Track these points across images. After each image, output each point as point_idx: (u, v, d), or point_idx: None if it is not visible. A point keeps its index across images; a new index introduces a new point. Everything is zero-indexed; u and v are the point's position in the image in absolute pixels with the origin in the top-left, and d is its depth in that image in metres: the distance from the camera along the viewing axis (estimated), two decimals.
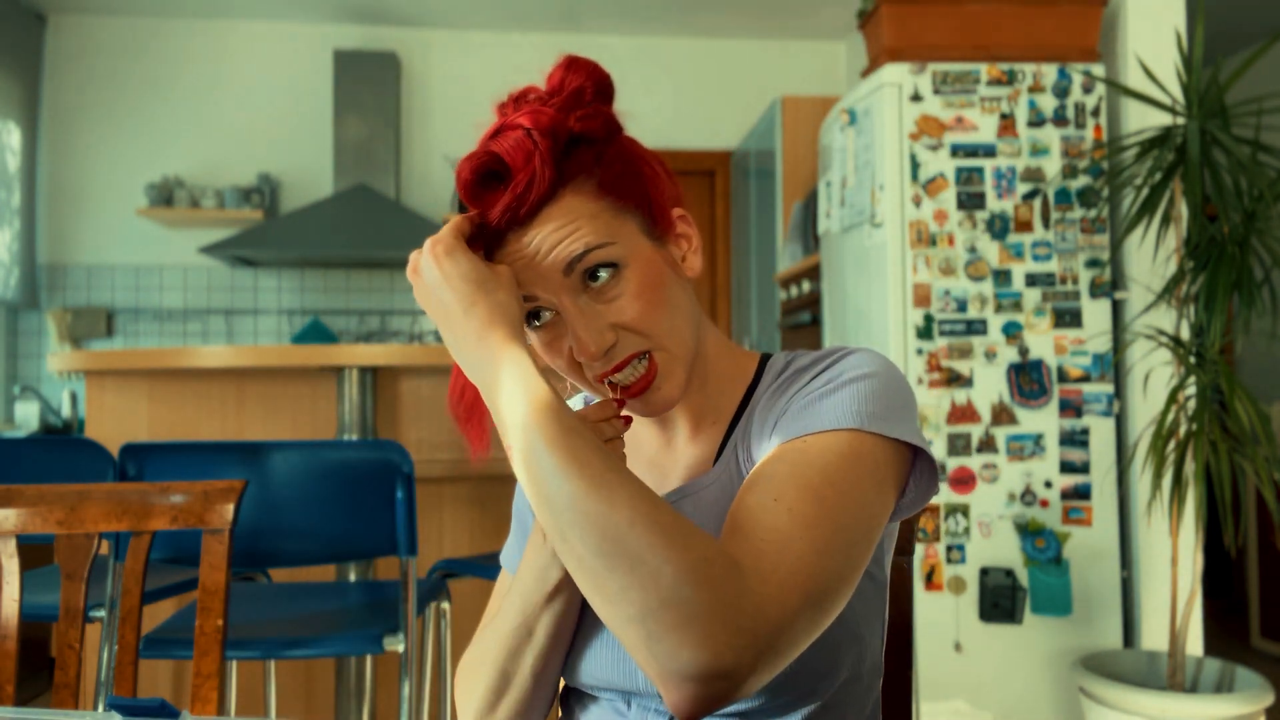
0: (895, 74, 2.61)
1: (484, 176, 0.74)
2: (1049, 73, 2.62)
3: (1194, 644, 2.52)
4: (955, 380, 2.55)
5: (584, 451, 0.64)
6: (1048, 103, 2.62)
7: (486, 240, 0.75)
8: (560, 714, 0.93)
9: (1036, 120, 2.62)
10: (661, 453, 0.85)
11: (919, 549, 2.47)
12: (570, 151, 0.74)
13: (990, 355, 2.57)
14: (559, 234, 0.73)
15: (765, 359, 0.85)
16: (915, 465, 0.74)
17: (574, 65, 0.77)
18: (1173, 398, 2.25)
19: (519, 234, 0.74)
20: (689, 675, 0.58)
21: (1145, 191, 2.36)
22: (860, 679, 0.79)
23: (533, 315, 0.76)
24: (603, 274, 0.74)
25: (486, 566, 2.02)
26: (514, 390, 0.67)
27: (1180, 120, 2.42)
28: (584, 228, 0.73)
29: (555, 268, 0.73)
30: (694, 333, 0.79)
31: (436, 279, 0.71)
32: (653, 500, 0.62)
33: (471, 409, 0.78)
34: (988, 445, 2.54)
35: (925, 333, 2.55)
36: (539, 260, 0.73)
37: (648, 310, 0.74)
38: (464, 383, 0.78)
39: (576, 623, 0.81)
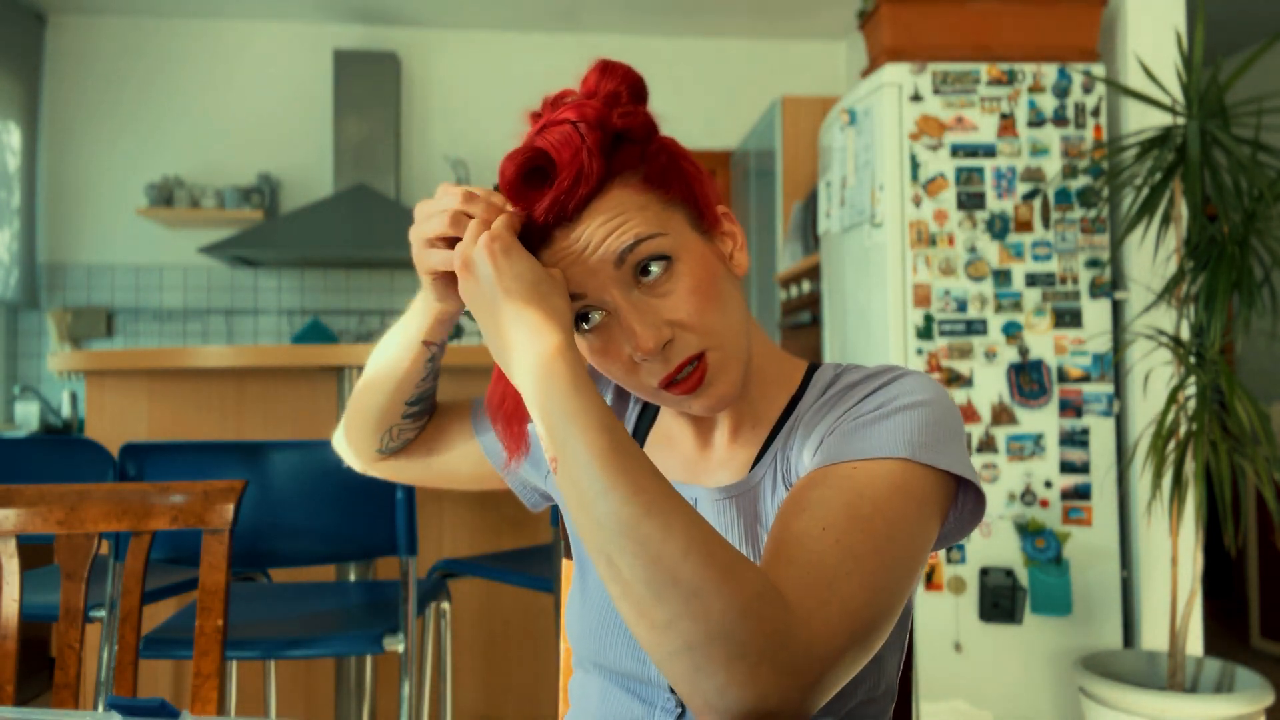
0: (895, 74, 2.61)
1: (529, 174, 0.72)
2: (1049, 73, 2.62)
3: (1194, 644, 2.52)
4: (955, 380, 2.55)
5: (640, 474, 0.61)
6: (1048, 103, 2.62)
7: (531, 239, 0.72)
8: (566, 693, 0.93)
9: (1036, 120, 2.61)
10: (697, 451, 0.84)
11: None
12: (615, 146, 0.73)
13: (990, 355, 2.57)
14: (608, 226, 0.71)
15: (812, 368, 0.83)
16: (959, 495, 0.73)
17: (609, 69, 0.76)
18: (1173, 398, 2.25)
19: (566, 231, 0.71)
20: (735, 713, 0.56)
21: (1145, 191, 2.36)
22: (875, 701, 0.79)
23: (581, 318, 0.74)
24: (654, 268, 0.72)
25: (486, 566, 2.02)
26: (566, 403, 0.64)
27: (1180, 120, 2.42)
28: (634, 219, 0.71)
29: (606, 262, 0.71)
30: (746, 330, 0.77)
31: (490, 278, 0.68)
32: (707, 530, 0.60)
33: (512, 415, 0.77)
34: (988, 445, 2.54)
35: (925, 333, 2.56)
36: (588, 255, 0.71)
37: (703, 305, 0.72)
38: (505, 386, 0.77)
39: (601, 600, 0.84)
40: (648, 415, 0.90)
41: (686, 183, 0.76)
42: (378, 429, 0.95)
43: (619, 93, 0.75)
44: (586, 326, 0.74)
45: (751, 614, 0.56)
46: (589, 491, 0.61)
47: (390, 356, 0.89)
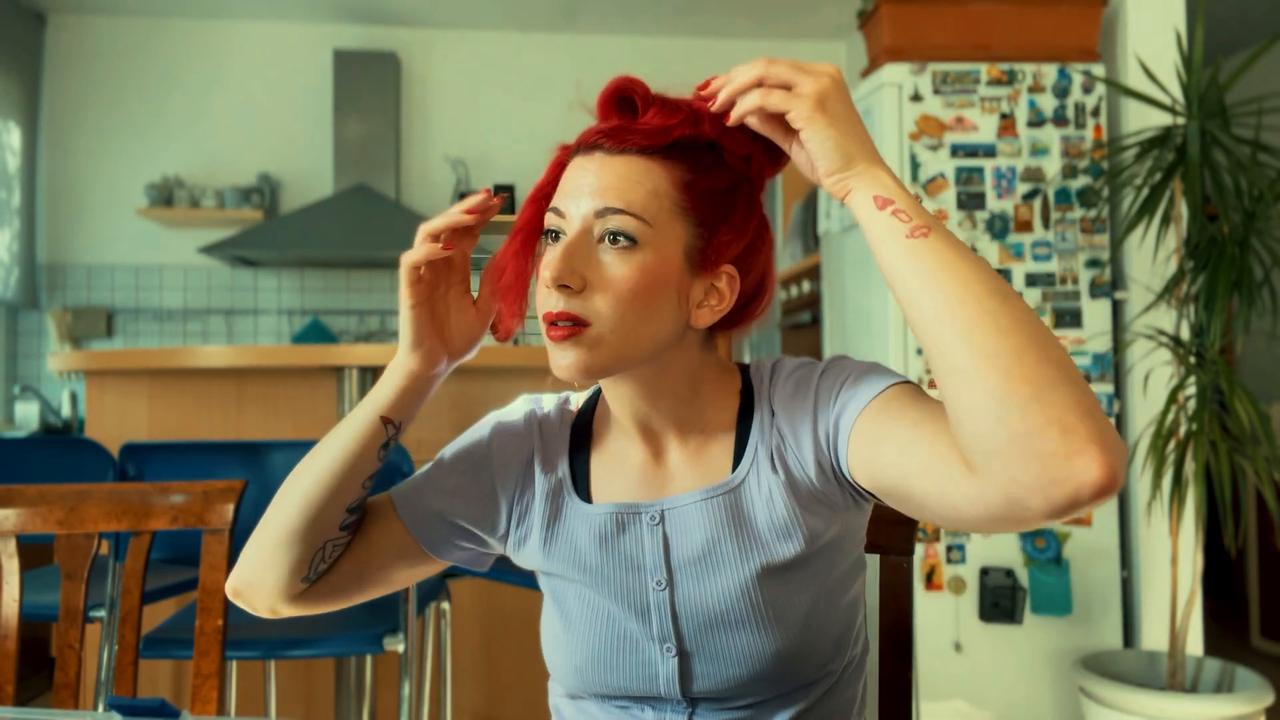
0: (895, 74, 2.61)
1: (623, 99, 0.77)
2: (1049, 73, 2.62)
3: (1194, 644, 2.52)
4: None
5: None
6: (1048, 103, 2.62)
7: (577, 142, 0.79)
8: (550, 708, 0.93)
9: (1036, 120, 2.62)
10: (651, 466, 0.84)
11: (919, 549, 2.47)
12: (697, 145, 0.77)
13: None
14: (621, 181, 0.74)
15: (743, 368, 0.87)
16: None
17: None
18: (1173, 398, 2.25)
19: (595, 155, 0.76)
20: (1115, 446, 0.59)
21: (1145, 191, 2.36)
22: (864, 655, 0.88)
23: (551, 233, 0.78)
24: (620, 241, 0.74)
25: None
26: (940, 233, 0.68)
27: (1180, 120, 2.42)
28: (640, 193, 0.74)
29: (591, 204, 0.74)
30: (645, 351, 0.77)
31: (848, 100, 0.72)
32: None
33: (511, 286, 0.81)
34: None
35: None
36: (589, 183, 0.75)
37: (623, 297, 0.74)
38: (513, 260, 0.81)
39: (589, 632, 0.83)
40: (585, 425, 0.89)
41: (718, 223, 0.77)
42: (308, 551, 0.81)
43: (749, 153, 0.79)
44: (551, 241, 0.78)
45: (1092, 394, 0.62)
46: (966, 259, 0.66)
47: (335, 448, 0.80)
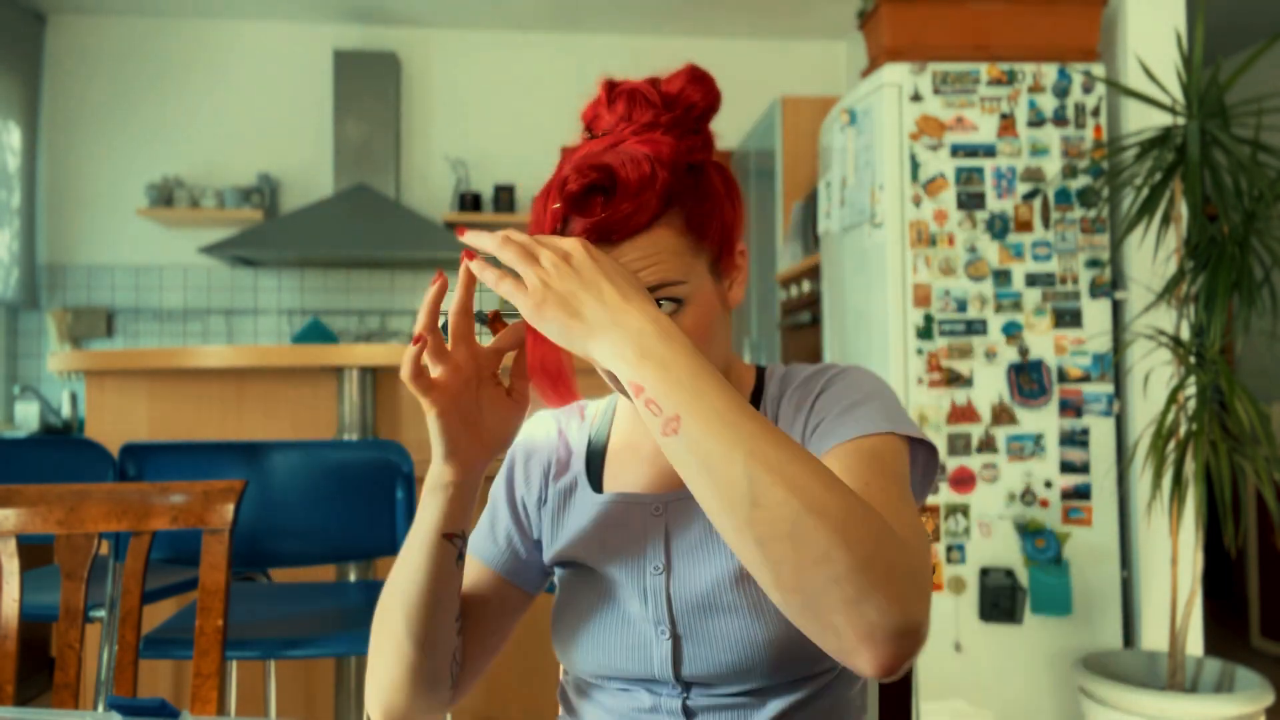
0: (895, 74, 2.61)
1: (590, 188, 0.73)
2: (1049, 73, 2.62)
3: (1194, 644, 2.52)
4: (955, 380, 2.55)
5: (763, 421, 0.65)
6: (1048, 103, 2.62)
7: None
8: (560, 710, 0.94)
9: (1036, 120, 2.61)
10: (663, 458, 0.87)
11: None
12: (676, 182, 0.75)
13: (990, 355, 2.57)
14: (640, 262, 0.74)
15: (760, 369, 0.90)
16: (913, 450, 0.81)
17: (697, 79, 0.78)
18: (1173, 398, 2.25)
19: (601, 247, 0.73)
20: (895, 631, 0.59)
21: (1145, 191, 2.36)
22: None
23: None
24: (663, 305, 0.75)
25: None
26: (691, 361, 0.66)
27: (1180, 120, 2.42)
28: (665, 263, 0.75)
29: None
30: (722, 361, 0.82)
31: (588, 263, 0.69)
32: (826, 468, 0.64)
33: (557, 374, 0.78)
34: (988, 445, 2.54)
35: (925, 333, 2.56)
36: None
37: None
38: (542, 349, 0.77)
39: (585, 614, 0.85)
40: (605, 425, 0.93)
41: (721, 225, 0.79)
42: (444, 672, 0.82)
43: (694, 108, 0.78)
44: None
45: (888, 537, 0.62)
46: (725, 440, 0.63)
47: (414, 583, 0.79)
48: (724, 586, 0.81)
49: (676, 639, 0.82)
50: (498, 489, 0.94)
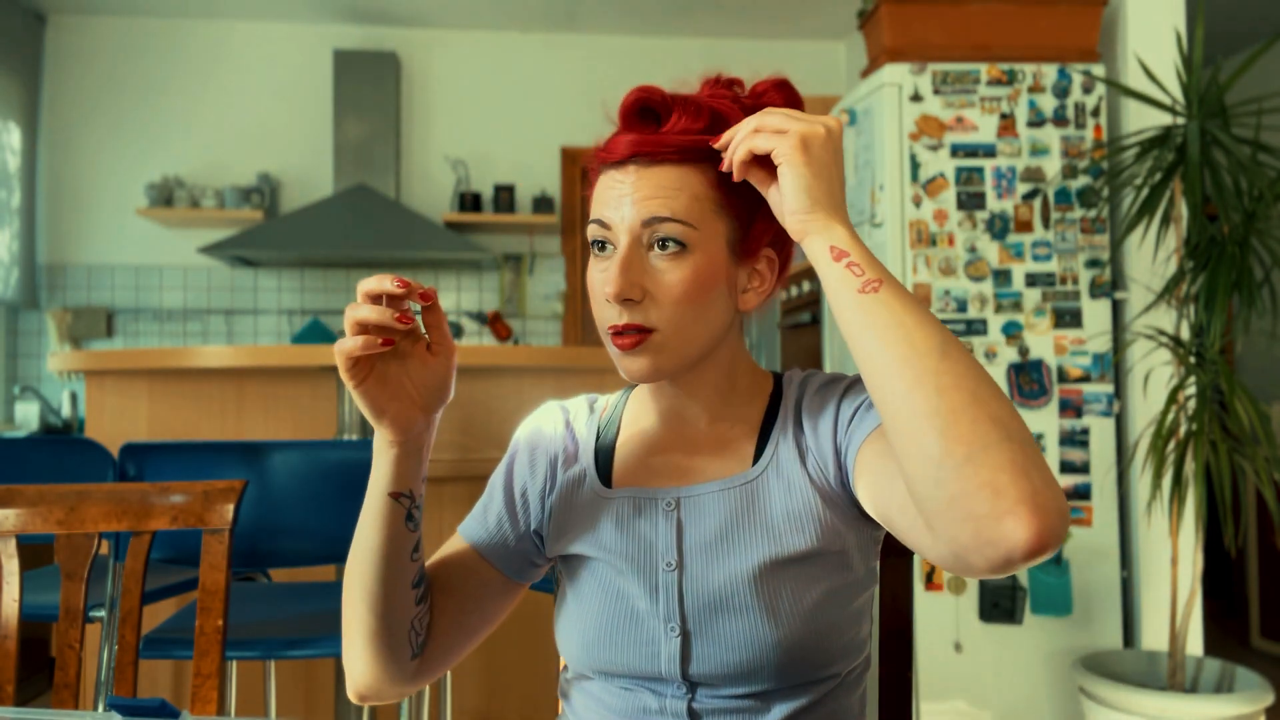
0: (895, 74, 2.61)
1: (644, 110, 0.80)
2: (1049, 73, 2.62)
3: (1194, 644, 2.52)
4: None
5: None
6: (1048, 103, 2.62)
7: (601, 158, 0.81)
8: (560, 706, 0.93)
9: (1036, 120, 2.62)
10: (676, 454, 0.88)
11: None
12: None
13: (990, 355, 2.57)
14: (662, 190, 0.78)
15: (778, 375, 0.92)
16: None
17: (785, 88, 0.86)
18: (1173, 398, 2.25)
19: (630, 169, 0.79)
20: (1052, 504, 0.60)
21: (1145, 191, 2.36)
22: (864, 662, 0.88)
23: (597, 244, 0.81)
24: (670, 246, 0.78)
25: None
26: (882, 264, 0.71)
27: (1180, 120, 2.42)
28: (683, 200, 0.78)
29: (638, 214, 0.78)
30: (706, 345, 0.82)
31: (834, 136, 0.75)
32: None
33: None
34: None
35: None
36: (629, 196, 0.79)
37: (681, 299, 0.79)
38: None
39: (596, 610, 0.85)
40: (614, 419, 0.94)
41: (753, 210, 0.82)
42: (399, 638, 0.82)
43: (775, 105, 0.83)
44: (599, 251, 0.81)
45: (1032, 447, 0.63)
46: (918, 309, 0.68)
47: (366, 543, 0.81)
48: (739, 586, 0.81)
49: (685, 636, 0.81)
50: (496, 478, 0.94)
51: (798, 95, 0.86)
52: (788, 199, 0.73)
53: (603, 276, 0.80)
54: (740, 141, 0.75)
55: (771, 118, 0.74)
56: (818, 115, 0.75)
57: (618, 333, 0.79)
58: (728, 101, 0.81)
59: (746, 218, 0.82)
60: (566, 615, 0.88)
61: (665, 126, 0.80)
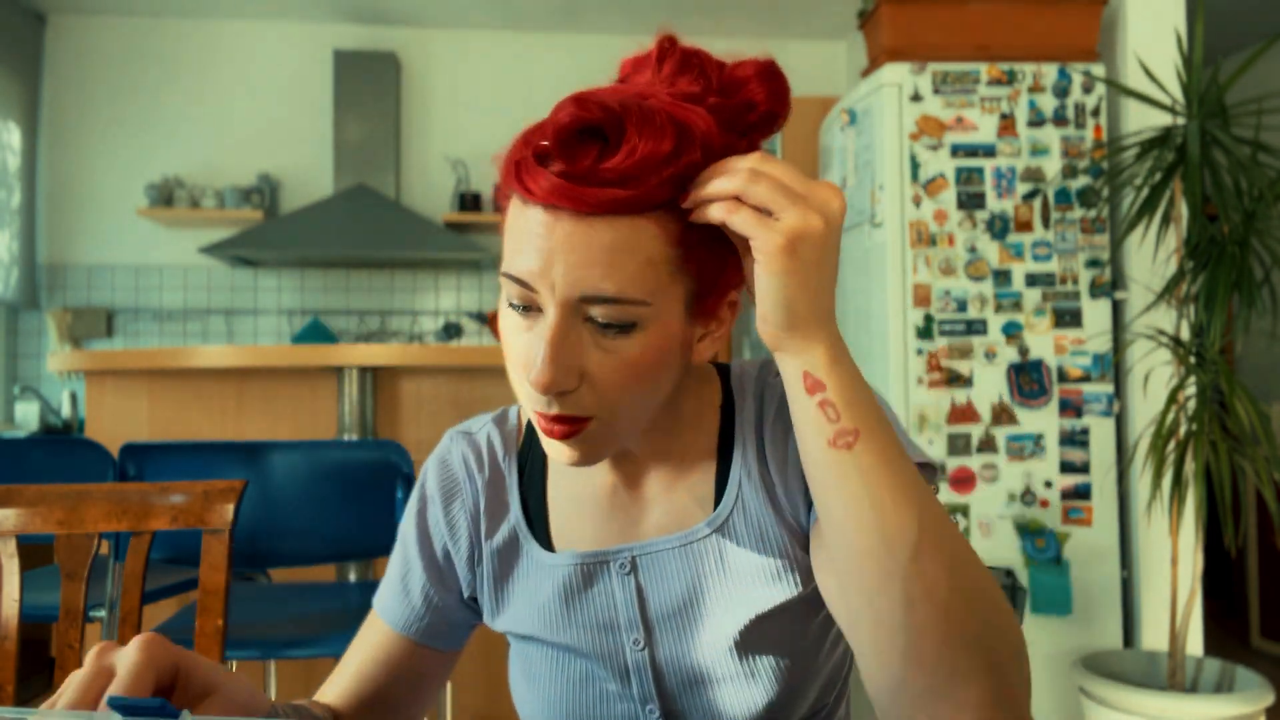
0: (895, 74, 2.61)
1: (584, 130, 0.57)
2: (1049, 73, 2.62)
3: (1194, 644, 2.52)
4: (955, 380, 2.55)
5: (927, 487, 0.59)
6: (1048, 103, 2.62)
7: (520, 180, 0.59)
8: None
9: (1036, 120, 2.61)
10: (620, 497, 0.74)
11: None
12: (695, 175, 0.59)
13: (990, 355, 2.57)
14: (601, 255, 0.58)
15: (724, 377, 0.76)
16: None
17: (768, 78, 0.64)
18: (1173, 398, 2.25)
19: (563, 214, 0.58)
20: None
21: (1145, 191, 2.36)
22: (840, 702, 0.81)
23: (516, 306, 0.62)
24: (612, 331, 0.60)
25: None
26: (863, 387, 0.59)
27: (1180, 120, 2.42)
28: (631, 269, 0.58)
29: (570, 286, 0.59)
30: (650, 413, 0.67)
31: (834, 235, 0.58)
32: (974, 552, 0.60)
33: None
34: (988, 445, 2.54)
35: (925, 333, 2.55)
36: (566, 255, 0.58)
37: (628, 384, 0.62)
38: None
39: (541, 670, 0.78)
40: (538, 448, 0.78)
41: (721, 265, 0.63)
42: None
43: (756, 107, 0.63)
44: (516, 303, 0.62)
45: (1011, 669, 0.56)
46: (900, 480, 0.56)
47: None
48: (720, 655, 0.72)
49: (670, 715, 0.74)
50: (407, 533, 0.80)
51: (785, 84, 0.65)
52: (762, 306, 0.58)
53: (524, 350, 0.62)
54: (713, 211, 0.58)
55: (760, 186, 0.56)
56: (818, 191, 0.57)
57: (547, 419, 0.63)
58: (700, 110, 0.60)
59: (712, 271, 0.63)
60: (527, 688, 0.78)
61: (612, 160, 0.57)
